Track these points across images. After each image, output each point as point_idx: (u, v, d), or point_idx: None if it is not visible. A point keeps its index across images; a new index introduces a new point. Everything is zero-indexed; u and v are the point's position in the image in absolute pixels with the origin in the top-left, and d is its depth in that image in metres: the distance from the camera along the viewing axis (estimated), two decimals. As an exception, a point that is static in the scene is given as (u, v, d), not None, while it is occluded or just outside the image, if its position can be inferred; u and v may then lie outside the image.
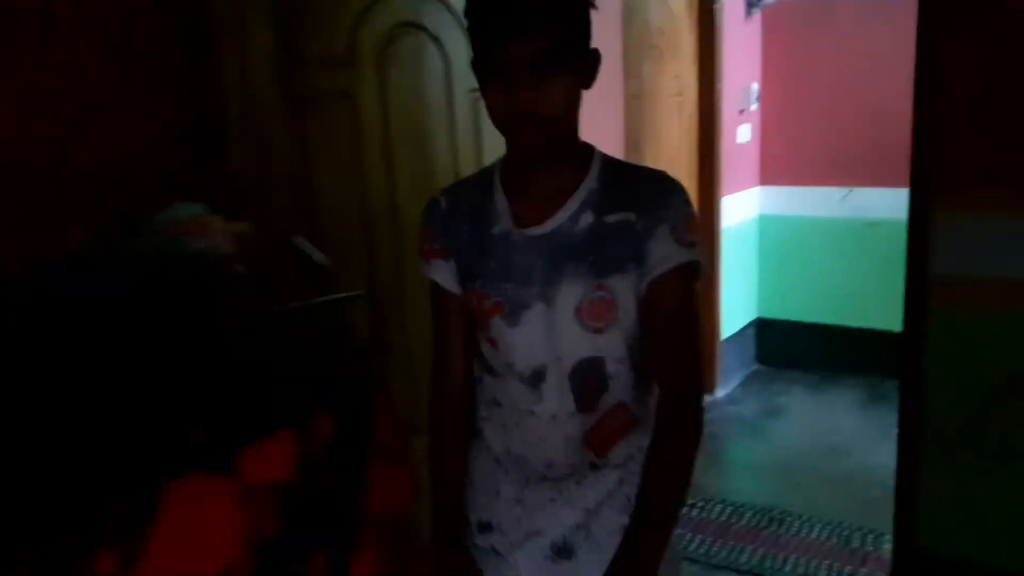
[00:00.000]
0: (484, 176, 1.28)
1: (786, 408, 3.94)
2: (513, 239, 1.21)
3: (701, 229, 3.67)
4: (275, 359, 1.25)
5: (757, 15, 4.10)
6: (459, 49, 2.09)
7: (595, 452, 1.23)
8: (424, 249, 1.28)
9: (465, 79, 2.03)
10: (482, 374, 1.31)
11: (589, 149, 1.24)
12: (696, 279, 1.19)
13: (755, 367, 4.45)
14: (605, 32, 2.68)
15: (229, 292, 1.22)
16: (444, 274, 1.27)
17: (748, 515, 2.96)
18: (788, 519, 2.91)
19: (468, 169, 2.11)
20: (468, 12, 1.14)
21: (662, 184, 1.19)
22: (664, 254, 1.15)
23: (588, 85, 1.17)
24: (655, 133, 3.48)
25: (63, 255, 1.22)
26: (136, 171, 1.55)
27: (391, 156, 2.03)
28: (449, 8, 2.08)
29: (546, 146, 1.14)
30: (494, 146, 1.90)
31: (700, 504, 3.03)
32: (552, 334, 1.19)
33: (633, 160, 3.00)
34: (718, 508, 3.02)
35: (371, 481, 1.33)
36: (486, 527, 1.30)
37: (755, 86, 4.12)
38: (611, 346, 1.21)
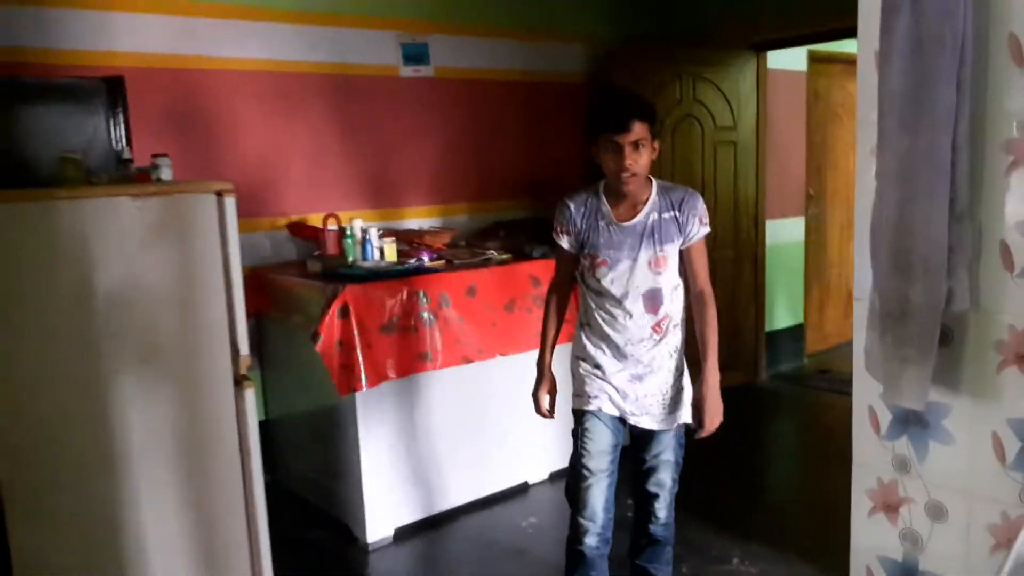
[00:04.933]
0: (592, 190, 2.15)
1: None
2: (614, 228, 2.10)
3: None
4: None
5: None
6: (725, 120, 4.60)
7: (657, 334, 2.14)
8: (557, 229, 2.18)
9: (716, 137, 4.56)
10: (591, 296, 2.17)
11: (650, 180, 2.11)
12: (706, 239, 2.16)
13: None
14: (794, 109, 5.01)
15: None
16: (568, 242, 2.17)
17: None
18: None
19: (708, 171, 4.59)
20: (592, 114, 2.08)
21: (691, 194, 2.13)
22: (695, 231, 2.12)
23: (655, 157, 2.07)
24: (834, 164, 5.66)
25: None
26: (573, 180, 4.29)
27: (673, 167, 4.60)
28: (708, 108, 4.62)
29: (635, 187, 2.07)
30: (726, 164, 4.66)
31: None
32: (635, 276, 2.09)
33: (816, 177, 5.43)
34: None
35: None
36: (596, 366, 2.17)
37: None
38: (665, 281, 2.11)
